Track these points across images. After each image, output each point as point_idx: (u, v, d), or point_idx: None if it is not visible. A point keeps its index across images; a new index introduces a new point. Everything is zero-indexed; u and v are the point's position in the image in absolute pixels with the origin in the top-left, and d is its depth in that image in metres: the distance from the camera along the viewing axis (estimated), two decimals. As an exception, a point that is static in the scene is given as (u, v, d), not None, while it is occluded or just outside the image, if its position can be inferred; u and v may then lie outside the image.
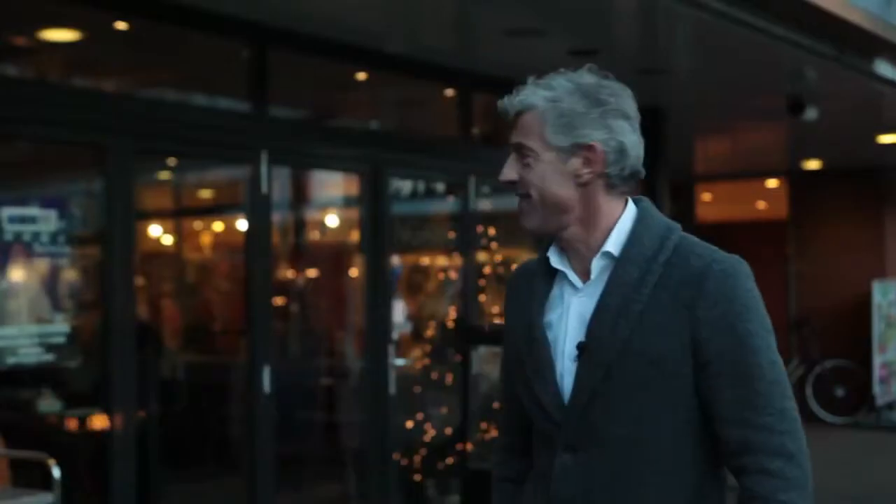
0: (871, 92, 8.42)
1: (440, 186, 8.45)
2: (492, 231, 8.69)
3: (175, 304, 8.95)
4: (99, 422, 5.82)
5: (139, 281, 6.59)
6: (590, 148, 2.17)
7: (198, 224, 9.59)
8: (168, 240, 9.47)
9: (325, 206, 8.87)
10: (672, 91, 8.79)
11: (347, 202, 8.19)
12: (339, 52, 6.79)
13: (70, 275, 5.97)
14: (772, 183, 14.73)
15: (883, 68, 7.91)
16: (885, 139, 11.36)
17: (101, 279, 5.69)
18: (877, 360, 12.94)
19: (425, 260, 9.02)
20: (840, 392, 13.09)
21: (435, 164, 7.79)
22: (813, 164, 13.63)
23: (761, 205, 15.71)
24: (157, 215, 9.04)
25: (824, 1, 6.47)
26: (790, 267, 14.37)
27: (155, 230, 9.14)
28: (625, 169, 2.21)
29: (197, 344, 8.78)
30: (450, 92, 7.98)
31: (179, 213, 9.45)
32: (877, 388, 12.89)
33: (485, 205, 8.48)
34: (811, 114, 8.58)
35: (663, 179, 9.73)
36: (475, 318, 8.02)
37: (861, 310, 13.10)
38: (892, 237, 13.92)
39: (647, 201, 2.29)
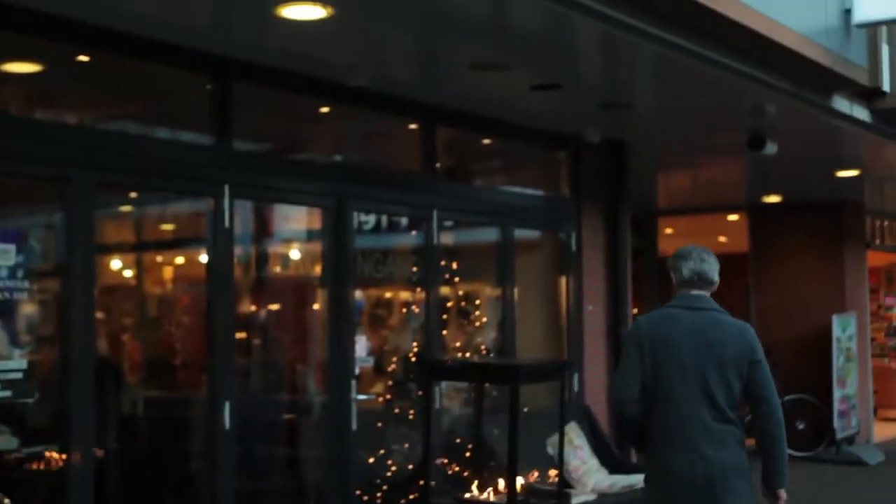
0: (830, 127, 8.51)
1: (403, 220, 8.45)
2: (455, 265, 8.69)
3: (136, 338, 8.85)
4: (57, 459, 5.73)
5: (99, 315, 6.51)
6: None
7: (159, 257, 9.52)
8: (129, 273, 9.38)
9: (287, 240, 8.83)
10: (635, 125, 8.85)
11: (310, 236, 8.16)
12: (302, 85, 6.78)
13: (29, 309, 5.89)
14: (733, 217, 14.84)
15: (841, 104, 8.00)
16: (844, 174, 11.48)
17: (61, 313, 5.62)
18: (836, 394, 13.01)
19: (388, 294, 8.99)
20: (800, 426, 13.14)
21: (398, 198, 7.78)
22: (773, 199, 13.75)
23: (722, 238, 15.81)
24: (118, 248, 8.96)
25: (784, 37, 6.54)
26: (751, 300, 14.45)
27: (116, 263, 9.06)
28: None
29: (158, 378, 8.69)
30: (413, 125, 7.98)
31: (141, 247, 9.37)
32: (836, 422, 12.96)
33: (448, 239, 8.48)
34: (771, 149, 8.68)
35: (626, 213, 9.76)
36: (438, 353, 7.99)
37: (821, 344, 13.18)
38: (852, 271, 14.05)
39: None
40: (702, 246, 5.09)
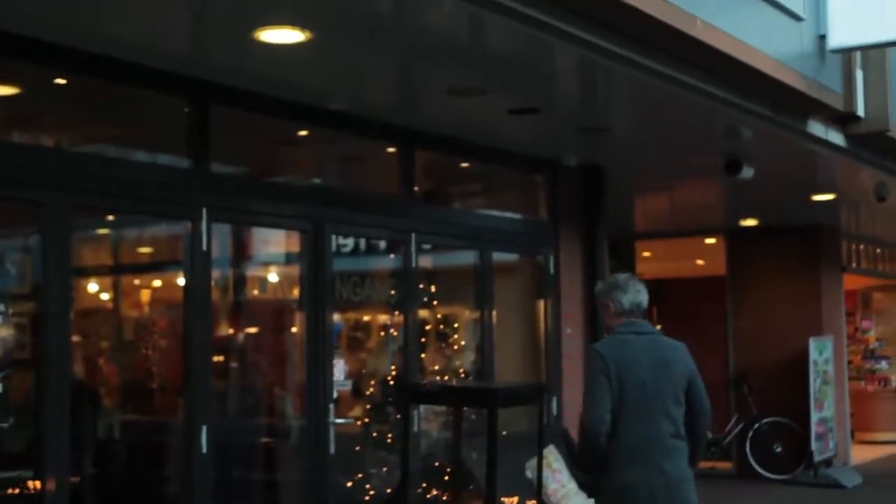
0: (805, 152, 8.57)
1: (382, 243, 8.45)
2: (433, 288, 8.69)
3: (112, 361, 8.81)
4: (32, 484, 5.68)
5: (76, 338, 6.48)
6: None
7: (136, 280, 9.48)
8: (106, 296, 9.34)
9: (265, 263, 8.81)
10: (612, 149, 8.89)
11: (288, 259, 8.15)
12: (281, 109, 6.79)
13: (4, 332, 5.86)
14: (710, 240, 14.89)
15: (816, 129, 8.05)
16: (819, 198, 11.55)
17: (36, 337, 5.59)
18: (814, 417, 13.05)
19: (366, 317, 8.98)
20: (778, 449, 13.18)
21: (376, 221, 7.79)
22: (750, 222, 13.81)
23: (700, 262, 15.87)
24: (95, 271, 8.92)
25: (759, 62, 6.59)
26: (729, 324, 14.49)
27: (92, 286, 9.02)
28: None
29: (134, 402, 8.64)
30: (391, 149, 8.00)
31: (118, 270, 9.33)
32: (814, 445, 12.99)
33: (426, 262, 8.48)
34: (747, 173, 8.72)
35: (603, 236, 9.79)
36: (416, 376, 7.98)
37: (798, 367, 13.22)
38: (828, 294, 14.12)
39: None
40: (632, 275, 5.47)
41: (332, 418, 7.15)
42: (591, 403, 5.07)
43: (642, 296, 5.28)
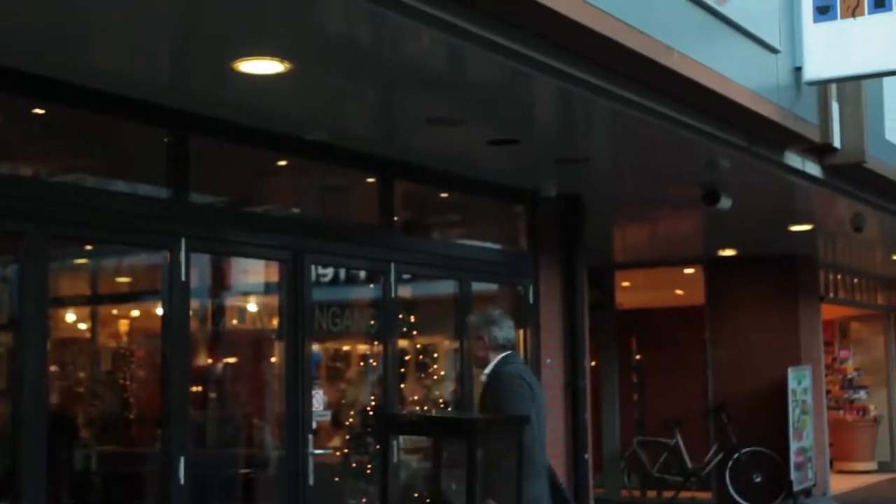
0: (783, 183, 8.63)
1: (361, 273, 8.44)
2: (413, 318, 8.69)
3: (90, 392, 8.76)
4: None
5: (53, 368, 6.45)
6: None
7: (115, 310, 9.45)
8: (84, 326, 9.30)
9: (245, 293, 8.80)
10: (591, 180, 8.93)
11: (268, 289, 8.14)
12: (260, 139, 6.79)
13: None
14: (689, 270, 14.94)
15: (793, 160, 8.11)
16: (797, 228, 11.62)
17: (13, 367, 5.55)
18: (793, 447, 13.07)
19: (346, 347, 8.97)
20: (757, 478, 13.19)
21: (356, 251, 7.79)
22: (729, 252, 13.87)
23: (679, 291, 15.91)
24: (73, 301, 8.89)
25: (737, 94, 6.64)
26: (707, 353, 14.52)
27: (70, 316, 8.98)
28: None
29: (112, 433, 8.59)
30: (371, 179, 8.01)
31: (96, 300, 9.30)
32: (793, 475, 13.00)
33: (406, 292, 8.48)
34: (725, 203, 8.77)
35: (583, 266, 9.82)
36: (395, 406, 7.96)
37: (777, 396, 13.25)
38: (806, 324, 14.17)
39: None
40: (503, 312, 5.95)
41: (311, 449, 7.12)
42: (532, 434, 5.43)
43: (513, 332, 5.80)
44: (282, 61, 5.33)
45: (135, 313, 9.25)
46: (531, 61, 5.33)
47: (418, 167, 8.04)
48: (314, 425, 7.23)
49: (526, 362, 6.10)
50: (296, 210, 7.85)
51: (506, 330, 5.69)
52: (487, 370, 5.67)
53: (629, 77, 6.03)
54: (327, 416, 7.78)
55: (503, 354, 5.64)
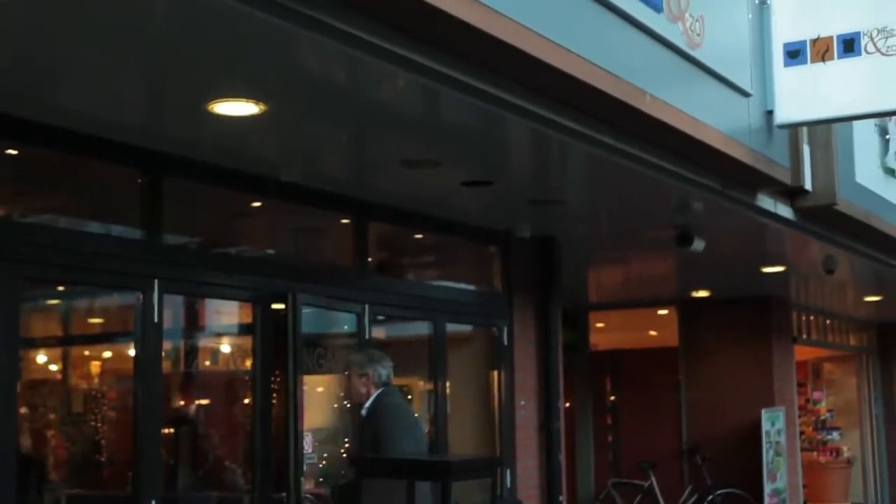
0: (755, 225, 8.68)
1: (336, 314, 8.41)
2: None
3: (60, 434, 8.68)
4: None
5: (23, 410, 6.38)
6: None
7: (86, 351, 9.38)
8: (55, 367, 9.23)
9: (218, 334, 8.75)
10: (565, 221, 8.96)
11: (241, 330, 8.10)
12: (235, 180, 6.79)
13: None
14: (662, 311, 14.99)
15: (765, 202, 8.16)
16: (769, 270, 11.68)
17: (-17, 409, 5.50)
18: (767, 488, 13.07)
19: (319, 388, 8.92)
20: (732, 520, 13.19)
21: (330, 292, 7.77)
22: (702, 293, 13.93)
23: (653, 332, 15.95)
24: (44, 342, 8.82)
25: (709, 137, 6.69)
26: (681, 394, 14.54)
27: (41, 358, 8.91)
28: None
29: (82, 476, 8.50)
30: (346, 220, 8.01)
31: (67, 340, 9.23)
32: (768, 516, 13.01)
33: (380, 333, 8.46)
34: (698, 245, 8.81)
35: (557, 307, 9.83)
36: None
37: (751, 437, 13.28)
38: (779, 365, 14.22)
39: None
40: (384, 352, 6.59)
41: (304, 492, 7.06)
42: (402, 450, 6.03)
43: (391, 370, 6.36)
44: (257, 103, 5.34)
45: (107, 354, 9.18)
46: (505, 104, 5.36)
47: (393, 208, 8.05)
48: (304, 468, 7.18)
49: (402, 397, 6.67)
50: (270, 251, 7.83)
51: (387, 368, 6.29)
52: (368, 404, 6.25)
53: (602, 120, 6.07)
54: (314, 459, 7.76)
55: (382, 390, 6.21)
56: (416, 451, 6.10)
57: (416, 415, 6.58)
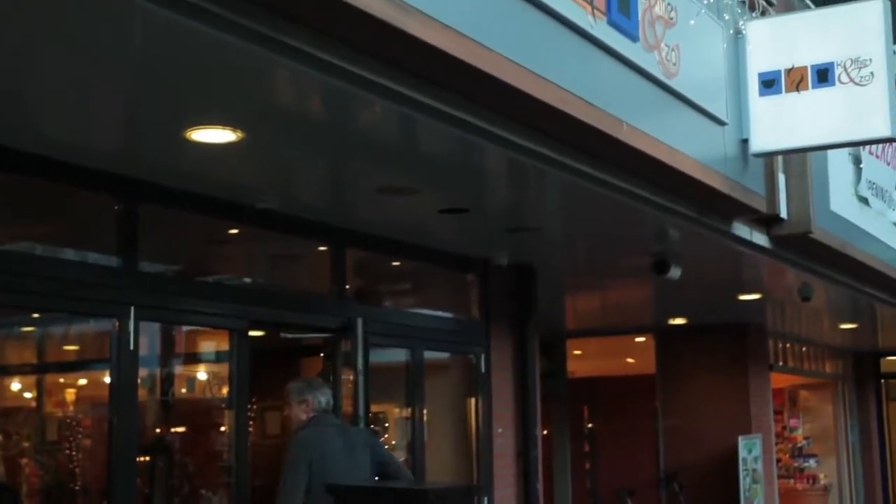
0: (731, 252, 8.72)
1: (313, 342, 8.40)
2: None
3: (34, 462, 8.60)
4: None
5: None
6: None
7: (61, 379, 9.31)
8: (29, 395, 9.16)
9: (194, 361, 8.72)
10: (542, 249, 8.98)
11: (218, 357, 8.07)
12: (211, 207, 6.78)
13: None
14: (640, 338, 15.02)
15: (741, 230, 8.21)
16: (746, 297, 11.73)
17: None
18: (744, 515, 13.08)
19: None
20: (709, 547, 13.18)
21: (308, 320, 7.76)
22: (679, 321, 13.97)
23: (630, 360, 15.97)
24: (18, 370, 8.76)
25: (685, 165, 6.73)
26: (659, 421, 14.55)
27: (15, 385, 8.84)
28: None
29: (56, 504, 8.43)
30: (323, 247, 8.01)
31: (42, 368, 9.17)
32: (746, 544, 13.01)
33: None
34: (675, 273, 8.85)
35: (534, 334, 9.84)
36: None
37: (728, 465, 13.29)
38: (756, 393, 14.26)
39: None
40: (322, 380, 7.00)
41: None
42: (290, 486, 6.13)
43: (330, 397, 6.65)
44: (234, 130, 5.34)
45: (82, 382, 9.12)
46: (482, 132, 5.38)
47: (370, 236, 8.05)
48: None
49: (340, 422, 6.83)
50: (247, 278, 7.81)
51: (326, 396, 6.56)
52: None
53: (579, 148, 6.09)
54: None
55: (310, 417, 6.44)
56: (315, 483, 6.09)
57: (356, 438, 6.53)
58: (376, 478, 6.43)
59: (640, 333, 14.91)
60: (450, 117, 5.12)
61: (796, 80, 7.05)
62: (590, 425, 15.88)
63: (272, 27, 4.07)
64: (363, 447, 6.44)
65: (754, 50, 7.31)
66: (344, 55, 4.40)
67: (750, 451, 13.42)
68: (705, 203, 7.50)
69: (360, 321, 7.39)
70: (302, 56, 4.26)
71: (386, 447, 7.63)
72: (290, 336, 8.30)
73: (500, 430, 9.45)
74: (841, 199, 9.21)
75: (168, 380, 8.48)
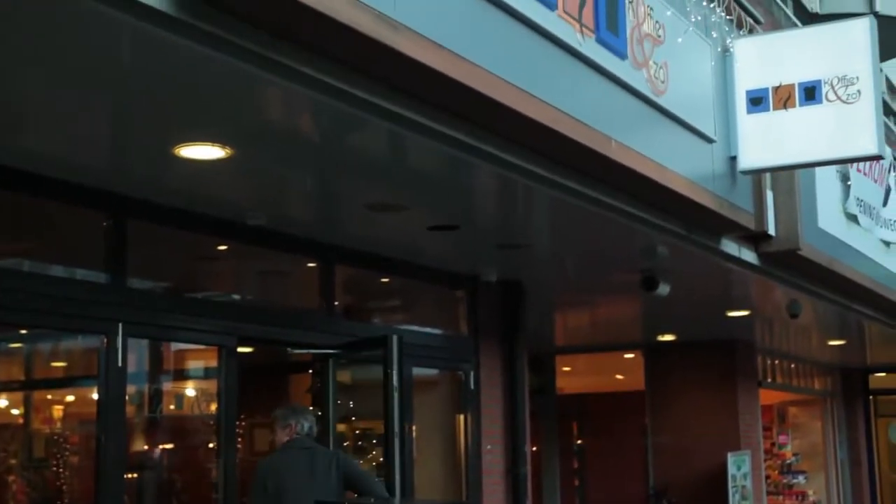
0: (720, 269, 8.73)
1: (301, 358, 8.38)
2: (352, 403, 8.63)
3: (21, 479, 8.57)
4: None
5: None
6: None
7: (49, 395, 9.28)
8: (16, 412, 9.12)
9: (183, 378, 8.69)
10: (531, 265, 8.98)
11: (207, 374, 8.05)
12: (200, 223, 6.77)
13: None
14: (629, 355, 15.02)
15: (729, 247, 8.23)
16: (734, 314, 11.75)
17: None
18: (733, 532, 13.07)
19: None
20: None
21: (296, 336, 7.75)
22: (668, 337, 13.97)
23: (619, 376, 15.98)
24: (6, 387, 8.72)
25: (673, 182, 6.74)
26: (648, 438, 14.54)
27: (2, 402, 8.81)
28: None
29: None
30: (312, 264, 8.00)
31: (30, 385, 9.14)
32: (734, 560, 12.99)
33: (345, 376, 8.43)
34: (664, 290, 8.86)
35: (523, 351, 9.84)
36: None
37: (717, 481, 13.28)
38: (745, 409, 14.26)
39: None
40: (305, 406, 7.40)
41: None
42: None
43: (313, 422, 6.97)
44: (223, 147, 5.34)
45: (70, 398, 9.09)
46: (471, 149, 5.38)
47: (359, 252, 8.05)
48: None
49: (312, 445, 6.89)
50: (236, 295, 7.80)
51: (310, 421, 6.89)
52: None
53: (568, 165, 6.10)
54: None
55: (293, 439, 6.77)
56: None
57: (322, 459, 6.72)
58: (352, 495, 6.74)
59: (629, 350, 14.91)
60: (439, 135, 5.13)
61: (784, 97, 7.08)
62: (579, 442, 15.86)
63: (261, 44, 4.08)
64: (328, 468, 6.65)
65: (742, 68, 7.34)
66: (334, 73, 4.40)
67: (739, 468, 13.41)
68: (694, 220, 7.52)
69: (395, 337, 7.39)
70: (291, 73, 4.26)
71: (361, 463, 8.08)
72: (296, 352, 8.36)
73: (488, 447, 9.44)
74: (829, 216, 9.24)
75: (156, 396, 8.46)
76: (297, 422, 6.82)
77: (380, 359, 8.65)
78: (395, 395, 7.30)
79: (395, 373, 7.32)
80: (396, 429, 7.30)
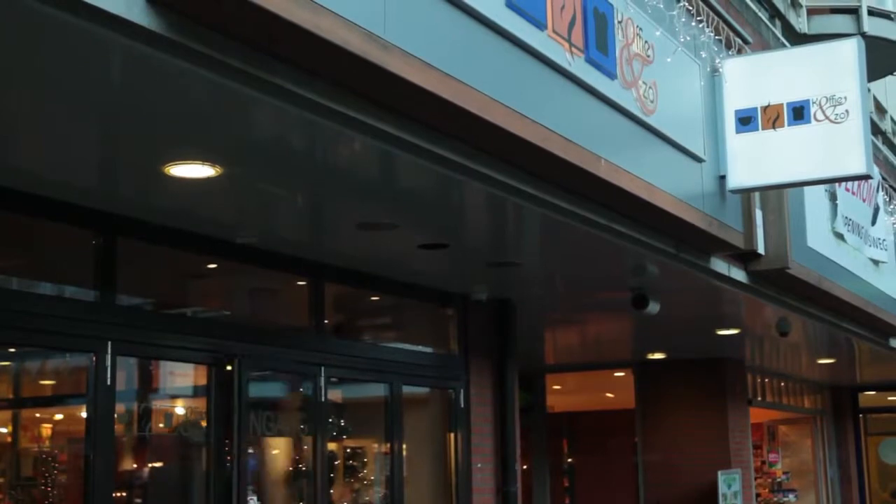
0: (709, 288, 8.75)
1: (291, 376, 8.37)
2: (342, 421, 8.61)
3: (8, 497, 8.52)
4: None
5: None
6: None
7: (37, 413, 9.23)
8: (4, 430, 9.07)
9: (172, 396, 8.65)
10: (521, 283, 8.99)
11: (196, 392, 8.03)
12: (190, 241, 6.77)
13: None
14: (619, 373, 15.02)
15: (719, 266, 8.25)
16: (724, 332, 11.76)
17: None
18: (724, 550, 13.06)
19: (275, 451, 8.83)
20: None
21: (286, 354, 7.74)
22: (658, 355, 13.98)
23: (609, 394, 15.97)
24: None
25: (663, 201, 6.77)
26: (638, 456, 14.54)
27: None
28: None
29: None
30: (302, 282, 8.00)
31: (17, 403, 9.09)
32: (724, 579, 12.97)
33: (335, 395, 8.42)
34: (653, 308, 8.88)
35: (514, 369, 9.83)
36: (324, 512, 7.84)
37: (708, 500, 13.27)
38: (735, 427, 14.27)
39: None
40: None
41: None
42: None
43: None
44: (213, 165, 5.34)
45: (58, 417, 9.05)
46: (461, 168, 5.40)
47: (349, 270, 8.05)
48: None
49: None
50: (225, 313, 7.79)
51: None
52: None
53: (558, 184, 6.12)
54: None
55: None
56: None
57: None
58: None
59: (619, 368, 14.92)
60: (429, 154, 5.15)
61: (772, 117, 7.12)
62: (569, 460, 15.85)
63: (251, 63, 4.09)
64: None
65: (731, 87, 7.38)
66: (324, 92, 4.42)
67: (730, 486, 13.41)
68: (683, 239, 7.54)
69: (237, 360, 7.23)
70: (281, 92, 4.27)
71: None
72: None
73: (479, 465, 9.42)
74: (817, 234, 9.28)
75: (145, 415, 8.42)
76: None
77: (369, 377, 8.67)
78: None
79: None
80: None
